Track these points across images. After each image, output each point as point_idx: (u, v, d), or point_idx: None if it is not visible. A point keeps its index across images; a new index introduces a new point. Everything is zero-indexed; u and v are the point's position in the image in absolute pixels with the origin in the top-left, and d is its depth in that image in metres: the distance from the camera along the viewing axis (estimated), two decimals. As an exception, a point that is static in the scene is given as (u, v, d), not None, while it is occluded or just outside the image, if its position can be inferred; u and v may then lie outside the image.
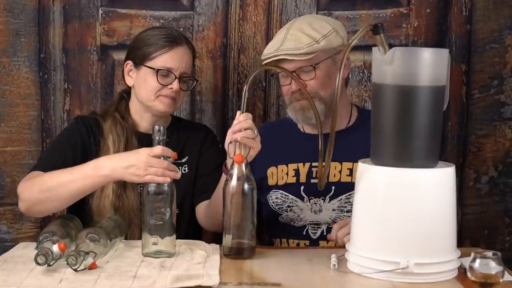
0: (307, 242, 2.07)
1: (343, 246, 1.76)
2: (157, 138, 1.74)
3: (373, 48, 1.63)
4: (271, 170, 2.11)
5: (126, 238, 1.91)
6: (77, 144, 2.05)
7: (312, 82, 2.00)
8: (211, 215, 2.03)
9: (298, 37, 1.98)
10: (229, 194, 1.73)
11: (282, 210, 2.09)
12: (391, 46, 1.60)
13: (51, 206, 1.91)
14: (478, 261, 1.38)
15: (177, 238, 1.80)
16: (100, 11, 2.40)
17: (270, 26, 2.43)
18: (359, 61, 2.42)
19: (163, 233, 1.72)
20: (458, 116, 2.45)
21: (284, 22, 2.39)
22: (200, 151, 2.16)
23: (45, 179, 1.88)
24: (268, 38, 2.41)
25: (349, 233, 1.72)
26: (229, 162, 1.82)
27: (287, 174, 2.10)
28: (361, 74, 2.45)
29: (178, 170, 1.77)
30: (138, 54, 2.06)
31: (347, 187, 2.02)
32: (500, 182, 2.47)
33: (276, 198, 2.10)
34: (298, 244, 2.08)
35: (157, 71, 2.02)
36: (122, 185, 2.01)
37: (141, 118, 2.12)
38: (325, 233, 2.04)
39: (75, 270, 1.54)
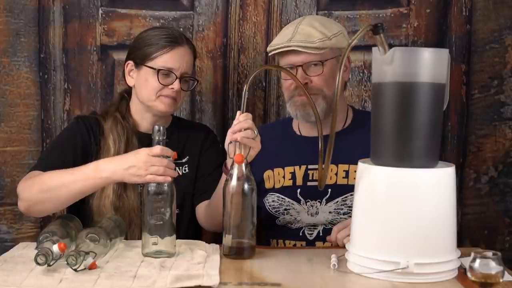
0: (304, 243, 2.07)
1: (343, 246, 1.76)
2: (157, 138, 1.74)
3: (373, 48, 1.63)
4: (267, 174, 2.11)
5: (126, 238, 1.91)
6: (78, 144, 2.05)
7: (318, 79, 2.01)
8: (211, 215, 2.03)
9: (310, 32, 1.99)
10: (229, 194, 1.73)
11: (279, 213, 2.09)
12: (391, 46, 1.60)
13: (51, 207, 1.91)
14: (478, 261, 1.38)
15: (177, 238, 1.80)
16: (100, 11, 2.41)
17: (270, 26, 2.43)
18: (359, 61, 2.43)
19: (163, 233, 1.72)
20: (458, 116, 2.45)
21: (284, 22, 2.39)
22: (200, 151, 2.16)
23: (45, 179, 1.88)
24: (268, 38, 2.41)
25: (349, 235, 1.72)
26: (229, 162, 1.82)
27: (283, 177, 2.10)
28: (361, 74, 2.45)
29: (177, 169, 1.76)
30: (139, 54, 2.06)
31: (343, 189, 2.02)
32: (500, 182, 2.47)
33: (273, 201, 2.09)
34: (294, 245, 2.08)
35: (158, 71, 2.03)
36: (122, 185, 2.01)
37: (142, 118, 2.12)
38: (321, 234, 2.05)
39: (75, 270, 1.54)
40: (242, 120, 1.75)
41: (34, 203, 1.89)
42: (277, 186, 2.10)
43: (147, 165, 1.74)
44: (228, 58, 2.44)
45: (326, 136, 1.68)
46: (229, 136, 1.77)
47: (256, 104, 2.46)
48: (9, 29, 2.38)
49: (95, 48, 2.42)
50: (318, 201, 2.05)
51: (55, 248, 1.56)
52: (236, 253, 1.72)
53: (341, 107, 2.10)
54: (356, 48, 2.21)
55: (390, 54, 1.58)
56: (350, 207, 1.99)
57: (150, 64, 2.04)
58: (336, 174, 2.04)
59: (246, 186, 1.72)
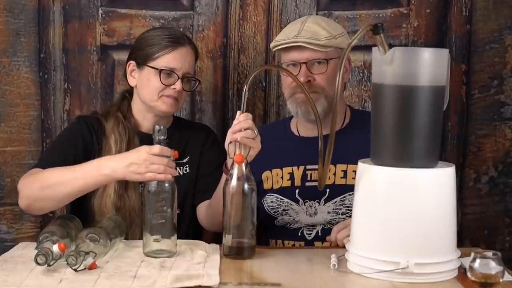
0: (302, 243, 2.06)
1: (343, 246, 1.76)
2: (157, 138, 1.74)
3: (373, 48, 1.63)
4: (266, 175, 2.11)
5: (127, 238, 1.91)
6: (79, 144, 2.05)
7: (322, 77, 2.01)
8: (212, 215, 2.03)
9: (316, 30, 2.00)
10: (229, 194, 1.73)
11: (277, 214, 2.09)
12: (391, 46, 1.60)
13: (51, 204, 1.91)
14: (478, 261, 1.38)
15: (178, 238, 1.80)
16: (100, 11, 2.41)
17: (270, 26, 2.43)
18: (359, 61, 2.42)
19: (164, 232, 1.72)
20: (458, 116, 2.45)
21: (284, 22, 2.39)
22: (201, 151, 2.16)
23: (45, 176, 1.88)
24: (268, 38, 2.41)
25: (348, 235, 1.72)
26: (229, 162, 1.82)
27: (282, 177, 2.10)
28: (361, 74, 2.45)
29: (177, 169, 1.77)
30: (141, 54, 2.06)
31: (342, 189, 2.02)
32: (500, 182, 2.47)
33: (271, 202, 2.09)
34: (293, 245, 2.08)
35: (160, 71, 2.03)
36: (124, 185, 2.01)
37: (143, 118, 2.12)
38: (320, 234, 2.05)
39: (75, 270, 1.54)
40: (242, 120, 1.75)
41: (35, 200, 1.89)
42: (276, 186, 2.10)
43: (147, 163, 1.74)
44: (228, 58, 2.44)
45: (325, 136, 1.68)
46: (229, 136, 1.77)
47: (256, 104, 2.46)
48: (9, 29, 2.38)
49: (95, 48, 2.41)
50: (317, 202, 2.05)
51: (55, 248, 1.56)
52: (236, 253, 1.72)
53: (340, 107, 2.09)
54: (356, 48, 2.22)
55: (390, 54, 1.58)
56: (349, 207, 1.99)
57: (152, 64, 2.04)
58: (334, 174, 2.04)
59: (246, 186, 1.72)
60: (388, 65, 1.58)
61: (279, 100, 2.46)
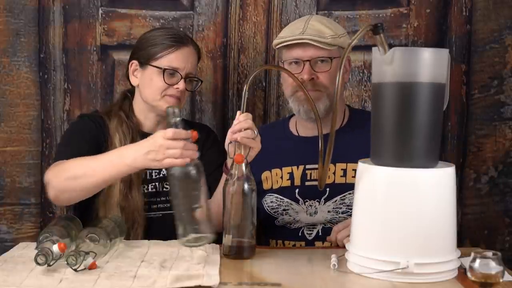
0: (303, 243, 2.06)
1: (343, 247, 1.76)
2: (172, 121, 1.68)
3: (373, 48, 1.63)
4: (265, 175, 2.11)
5: (129, 238, 1.91)
6: (90, 139, 2.03)
7: (325, 75, 2.02)
8: (212, 215, 2.03)
9: (320, 28, 2.00)
10: (229, 194, 1.73)
11: (277, 214, 2.09)
12: (391, 46, 1.60)
13: (77, 194, 1.88)
14: (478, 261, 1.38)
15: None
16: (100, 11, 2.41)
17: (270, 26, 2.43)
18: (359, 61, 2.43)
19: (197, 218, 1.68)
20: (458, 116, 2.45)
21: (284, 22, 2.39)
22: (201, 151, 2.15)
23: (71, 167, 1.84)
24: (268, 38, 2.42)
25: (349, 235, 1.72)
26: (229, 162, 1.82)
27: (281, 177, 2.10)
28: (361, 74, 2.45)
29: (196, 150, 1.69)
30: (144, 54, 2.06)
31: (342, 188, 2.02)
32: (500, 182, 2.47)
33: (271, 202, 2.09)
34: (294, 245, 2.08)
35: (163, 70, 2.02)
36: (128, 185, 2.00)
37: (145, 118, 2.12)
38: (320, 234, 2.05)
39: (75, 270, 1.54)
40: (242, 120, 1.75)
41: (62, 191, 1.85)
42: (275, 186, 2.10)
43: (163, 149, 1.67)
44: (228, 58, 2.44)
45: (325, 135, 1.68)
46: (229, 136, 1.77)
47: (256, 104, 2.46)
48: (9, 29, 2.38)
49: (95, 48, 2.42)
50: (317, 201, 2.05)
51: (55, 248, 1.56)
52: (236, 253, 1.72)
53: (340, 106, 2.10)
54: (356, 48, 2.22)
55: (390, 54, 1.58)
56: (349, 206, 2.00)
57: (155, 63, 2.04)
58: (334, 173, 2.04)
59: (246, 186, 1.72)
60: (388, 65, 1.58)
61: (279, 100, 2.46)
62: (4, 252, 1.77)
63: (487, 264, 1.37)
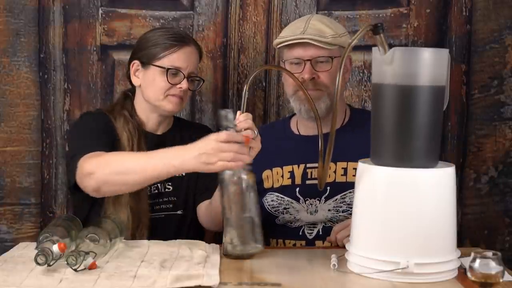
0: (303, 242, 2.07)
1: (343, 247, 1.76)
2: (225, 123, 1.68)
3: (373, 48, 1.63)
4: (266, 174, 2.11)
5: (134, 238, 1.91)
6: (106, 130, 2.02)
7: (325, 74, 2.02)
8: (212, 215, 2.03)
9: (321, 28, 2.01)
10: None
11: (278, 212, 2.09)
12: (391, 46, 1.60)
13: (122, 189, 1.86)
14: (478, 261, 1.38)
15: (180, 239, 1.80)
16: (100, 11, 2.41)
17: (270, 26, 2.43)
18: (359, 61, 2.43)
19: (247, 226, 1.68)
20: (458, 116, 2.45)
21: (284, 22, 2.39)
22: None
23: (117, 161, 1.82)
24: (268, 38, 2.42)
25: (348, 235, 1.72)
26: (229, 162, 1.82)
27: (282, 176, 2.10)
28: (361, 74, 2.45)
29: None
30: (146, 54, 2.06)
31: (342, 187, 2.03)
32: (500, 182, 2.47)
33: (272, 200, 2.09)
34: (294, 245, 2.08)
35: (167, 70, 2.02)
36: None
37: (147, 118, 2.11)
38: (321, 233, 2.05)
39: (75, 270, 1.54)
40: (242, 120, 1.74)
41: (105, 184, 1.82)
42: (276, 185, 2.10)
43: (216, 152, 1.64)
44: (228, 58, 2.44)
45: (326, 135, 1.68)
46: (229, 136, 1.77)
47: (256, 104, 2.46)
48: (9, 29, 2.38)
49: (95, 48, 2.41)
50: (317, 199, 2.05)
51: (55, 248, 1.56)
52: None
53: (341, 106, 2.11)
54: (356, 48, 2.21)
55: (390, 54, 1.57)
56: (349, 204, 2.00)
57: (158, 63, 2.03)
58: (335, 172, 2.04)
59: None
60: (388, 65, 1.58)
61: (279, 100, 2.46)
62: (4, 252, 1.77)
63: (487, 264, 1.37)
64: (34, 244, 1.72)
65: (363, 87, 2.45)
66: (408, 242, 1.56)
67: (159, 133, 2.14)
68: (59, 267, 1.57)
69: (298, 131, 2.15)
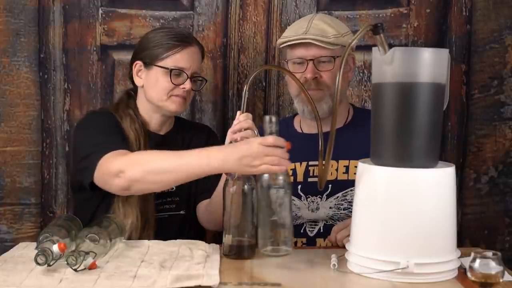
0: (304, 240, 2.07)
1: (343, 247, 1.76)
2: (269, 129, 1.69)
3: (373, 48, 1.63)
4: None
5: (141, 238, 1.91)
6: (117, 127, 2.01)
7: (328, 74, 2.03)
8: (211, 214, 2.04)
9: (324, 27, 2.02)
10: (229, 194, 1.73)
11: (280, 210, 2.09)
12: (391, 46, 1.60)
13: (155, 187, 1.86)
14: (478, 261, 1.38)
15: (181, 238, 1.80)
16: (100, 11, 2.41)
17: (270, 26, 2.43)
18: (359, 61, 2.43)
19: (280, 228, 1.71)
20: (458, 116, 2.45)
21: (284, 22, 2.39)
22: None
23: (149, 160, 1.81)
24: (268, 38, 2.42)
25: (348, 235, 1.72)
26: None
27: None
28: (361, 74, 2.45)
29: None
30: (149, 54, 2.05)
31: (344, 185, 2.03)
32: (500, 182, 2.47)
33: None
34: (295, 242, 2.08)
35: (170, 70, 2.02)
36: None
37: (150, 118, 2.11)
38: (322, 230, 2.05)
39: (75, 270, 1.54)
40: (242, 120, 1.75)
41: (137, 182, 1.81)
42: None
43: (261, 155, 1.64)
44: (228, 58, 2.44)
45: (328, 134, 1.68)
46: (229, 136, 1.77)
47: (256, 104, 2.46)
48: (9, 29, 2.38)
49: (95, 48, 2.41)
50: (319, 197, 2.05)
51: (55, 248, 1.56)
52: (236, 253, 1.72)
53: (343, 105, 2.13)
54: (356, 48, 2.22)
55: (390, 54, 1.58)
56: (351, 202, 2.00)
57: (161, 64, 2.03)
58: (337, 169, 2.05)
59: (246, 186, 1.72)
60: (388, 65, 1.58)
61: (279, 100, 2.46)
62: (4, 252, 1.77)
63: (487, 264, 1.37)
64: (34, 244, 1.72)
65: (363, 87, 2.45)
66: (408, 242, 1.56)
67: (162, 133, 2.13)
68: (59, 267, 1.57)
69: (301, 130, 2.16)
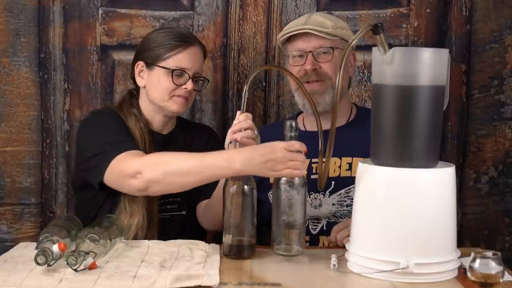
0: (307, 238, 2.07)
1: (343, 247, 1.76)
2: (290, 134, 1.70)
3: (373, 48, 1.63)
4: None
5: (146, 238, 1.91)
6: (122, 128, 2.01)
7: (328, 65, 2.04)
8: (211, 214, 2.04)
9: (322, 20, 2.05)
10: (229, 194, 1.73)
11: (283, 207, 2.10)
12: (391, 46, 1.60)
13: (174, 189, 1.86)
14: (478, 261, 1.38)
15: (182, 238, 1.79)
16: (100, 11, 2.41)
17: (270, 26, 2.43)
18: (359, 61, 2.43)
19: (293, 229, 1.72)
20: (458, 116, 2.45)
21: (284, 22, 2.39)
22: (205, 151, 2.15)
23: (169, 161, 1.80)
24: (268, 38, 2.42)
25: (348, 235, 1.72)
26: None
27: None
28: (361, 74, 2.45)
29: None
30: (151, 54, 2.05)
31: (347, 182, 2.03)
32: (500, 182, 2.47)
33: None
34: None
35: (172, 71, 2.02)
36: None
37: (152, 118, 2.11)
38: (324, 228, 2.05)
39: (75, 270, 1.54)
40: (242, 120, 1.75)
41: (155, 183, 1.81)
42: None
43: (285, 160, 1.67)
44: (228, 58, 2.44)
45: (328, 131, 1.69)
46: (229, 136, 1.77)
47: (256, 104, 2.46)
48: (9, 29, 2.38)
49: (95, 48, 2.41)
50: (322, 194, 2.05)
51: (55, 248, 1.56)
52: (236, 253, 1.72)
53: (346, 103, 2.15)
54: (356, 48, 2.22)
55: (390, 54, 1.58)
56: (353, 199, 2.00)
57: (162, 64, 2.03)
58: (340, 166, 2.05)
59: (246, 186, 1.72)
60: (388, 65, 1.58)
61: (279, 100, 2.46)
62: (4, 252, 1.77)
63: (487, 264, 1.37)
64: (34, 244, 1.72)
65: (363, 87, 2.45)
66: (408, 242, 1.56)
67: (164, 132, 2.13)
68: (59, 267, 1.57)
69: (304, 127, 2.16)
